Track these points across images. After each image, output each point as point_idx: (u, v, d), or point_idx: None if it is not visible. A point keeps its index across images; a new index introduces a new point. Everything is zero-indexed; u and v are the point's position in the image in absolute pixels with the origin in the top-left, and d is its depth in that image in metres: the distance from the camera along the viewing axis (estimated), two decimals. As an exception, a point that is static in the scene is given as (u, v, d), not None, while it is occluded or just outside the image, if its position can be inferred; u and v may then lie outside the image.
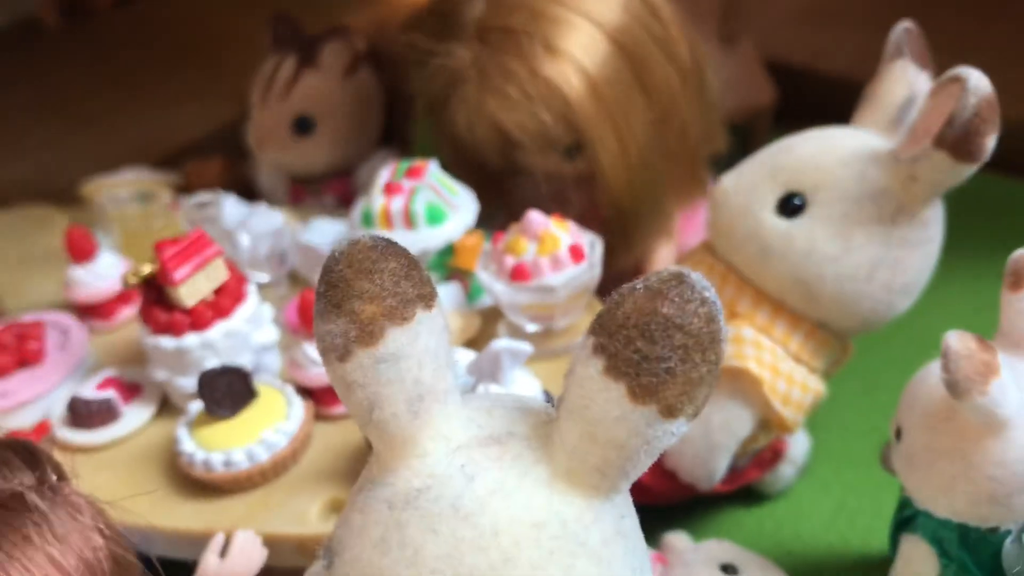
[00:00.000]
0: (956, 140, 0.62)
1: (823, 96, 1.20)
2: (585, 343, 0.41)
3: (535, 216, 0.70)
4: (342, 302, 0.44)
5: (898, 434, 0.63)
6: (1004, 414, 0.55)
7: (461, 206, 0.78)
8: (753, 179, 0.71)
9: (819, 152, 0.70)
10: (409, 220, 0.76)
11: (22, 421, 0.72)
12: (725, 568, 0.67)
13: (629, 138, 0.78)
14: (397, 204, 0.75)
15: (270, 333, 0.73)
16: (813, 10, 1.37)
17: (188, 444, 0.66)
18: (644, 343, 0.40)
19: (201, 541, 0.62)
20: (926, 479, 0.60)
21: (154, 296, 0.70)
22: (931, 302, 0.75)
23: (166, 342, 0.68)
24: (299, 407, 0.68)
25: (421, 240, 0.76)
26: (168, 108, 1.37)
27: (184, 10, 1.65)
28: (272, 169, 1.01)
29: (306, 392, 0.70)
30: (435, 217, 0.76)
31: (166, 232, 0.84)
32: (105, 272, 0.80)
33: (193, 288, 0.68)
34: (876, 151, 0.68)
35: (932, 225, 0.69)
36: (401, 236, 0.76)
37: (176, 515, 0.65)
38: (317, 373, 0.69)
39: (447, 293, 0.77)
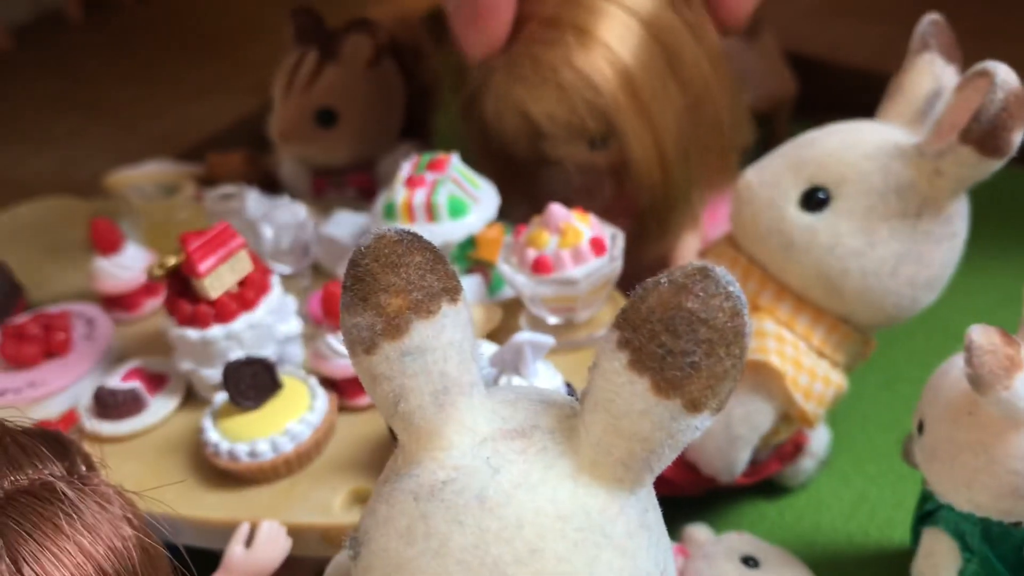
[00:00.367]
0: (982, 135, 0.61)
1: (843, 88, 1.20)
2: (609, 337, 0.42)
3: (557, 209, 0.70)
4: (368, 295, 0.44)
5: (920, 427, 0.63)
6: (1027, 408, 0.55)
7: (483, 199, 0.79)
8: (777, 173, 0.71)
9: (843, 146, 0.69)
10: (431, 213, 0.76)
11: (49, 411, 0.73)
12: (746, 560, 0.67)
13: (662, 127, 0.77)
14: (419, 197, 0.76)
15: (294, 325, 0.73)
16: (833, 2, 1.36)
17: (213, 434, 0.67)
18: (669, 337, 0.40)
19: (226, 530, 0.63)
20: (948, 473, 0.60)
21: (179, 288, 0.70)
22: (954, 295, 0.75)
23: (191, 333, 0.69)
24: (323, 398, 0.69)
25: (443, 233, 0.76)
26: (190, 100, 1.38)
27: (206, 3, 1.65)
28: (294, 161, 1.02)
29: (330, 383, 0.71)
30: (457, 210, 0.76)
31: (190, 224, 0.85)
32: (130, 264, 0.80)
33: (218, 280, 0.69)
34: (901, 145, 0.68)
35: (957, 220, 0.68)
36: (423, 229, 0.75)
37: (201, 504, 0.66)
38: (341, 364, 0.70)
39: (468, 285, 0.77)
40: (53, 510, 0.46)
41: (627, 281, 0.86)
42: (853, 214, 0.68)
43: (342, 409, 0.71)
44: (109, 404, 0.71)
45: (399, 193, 0.77)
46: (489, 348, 0.67)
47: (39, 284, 0.88)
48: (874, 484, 0.82)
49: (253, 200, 0.85)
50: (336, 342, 0.70)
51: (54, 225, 0.98)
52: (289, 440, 0.66)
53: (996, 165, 0.63)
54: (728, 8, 0.76)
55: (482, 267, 0.80)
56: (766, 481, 0.80)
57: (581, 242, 0.70)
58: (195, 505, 0.66)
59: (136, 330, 0.82)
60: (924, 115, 0.70)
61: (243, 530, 0.61)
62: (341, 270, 0.80)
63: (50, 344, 0.76)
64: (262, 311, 0.70)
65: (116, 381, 0.73)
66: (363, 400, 0.71)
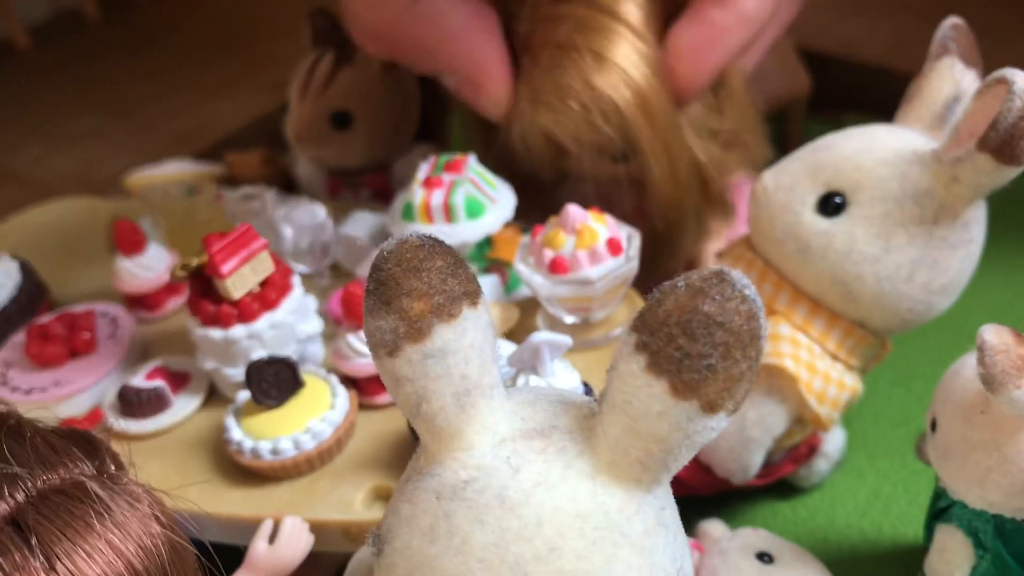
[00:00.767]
0: (1000, 143, 0.61)
1: (857, 84, 1.21)
2: (627, 340, 0.43)
3: (574, 210, 0.71)
4: (391, 299, 0.45)
5: (933, 426, 0.64)
6: (1040, 407, 0.56)
7: (500, 199, 0.80)
8: (793, 177, 0.71)
9: (860, 151, 0.69)
10: (449, 214, 0.77)
11: (74, 409, 0.75)
12: (761, 556, 0.68)
13: (677, 149, 0.78)
14: (437, 198, 0.77)
15: (315, 324, 0.74)
16: (847, -2, 1.37)
17: (236, 432, 0.68)
18: (686, 340, 0.41)
19: (249, 527, 0.64)
20: (961, 471, 0.61)
21: (202, 288, 0.72)
22: (967, 293, 0.75)
23: (214, 333, 0.70)
24: (344, 397, 0.70)
25: (461, 233, 0.77)
26: (208, 99, 1.39)
27: (223, 2, 1.66)
28: (310, 162, 1.03)
29: (350, 381, 0.72)
30: (474, 210, 0.77)
31: (211, 224, 0.86)
32: (153, 264, 0.82)
33: (240, 280, 0.70)
34: (919, 151, 0.67)
35: (974, 226, 0.68)
36: (441, 229, 0.77)
37: (225, 502, 0.67)
38: (361, 363, 0.71)
39: (486, 285, 0.78)
40: (85, 509, 0.47)
41: (649, 290, 0.87)
42: (869, 220, 0.68)
43: (362, 407, 0.72)
44: (133, 402, 0.72)
45: (417, 194, 0.77)
46: (507, 347, 0.67)
47: (62, 284, 0.90)
48: (887, 480, 0.82)
49: (273, 201, 0.86)
50: (356, 341, 0.71)
51: (75, 225, 0.99)
52: (311, 438, 0.67)
53: (1014, 173, 0.63)
54: (679, 80, 0.76)
55: (499, 267, 0.81)
56: (780, 481, 0.80)
57: (597, 243, 0.70)
58: (219, 502, 0.67)
59: (158, 329, 0.83)
60: (944, 120, 0.69)
61: (266, 526, 0.63)
62: (359, 269, 0.82)
63: (75, 343, 0.77)
64: (284, 311, 0.71)
65: (140, 380, 0.74)
66: (383, 398, 0.72)
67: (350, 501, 0.66)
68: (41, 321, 0.79)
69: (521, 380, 0.65)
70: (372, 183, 1.01)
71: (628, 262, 0.72)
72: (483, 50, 0.76)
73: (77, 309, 0.81)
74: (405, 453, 0.69)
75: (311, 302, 0.75)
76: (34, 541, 0.45)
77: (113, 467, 0.51)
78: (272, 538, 0.62)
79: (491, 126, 0.84)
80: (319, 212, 0.81)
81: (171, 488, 0.54)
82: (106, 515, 0.48)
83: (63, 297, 0.88)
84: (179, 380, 0.75)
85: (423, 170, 0.80)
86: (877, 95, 1.18)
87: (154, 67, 1.51)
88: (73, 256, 0.95)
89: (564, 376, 0.66)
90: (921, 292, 0.69)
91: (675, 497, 0.48)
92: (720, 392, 0.41)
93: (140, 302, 0.83)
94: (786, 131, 1.14)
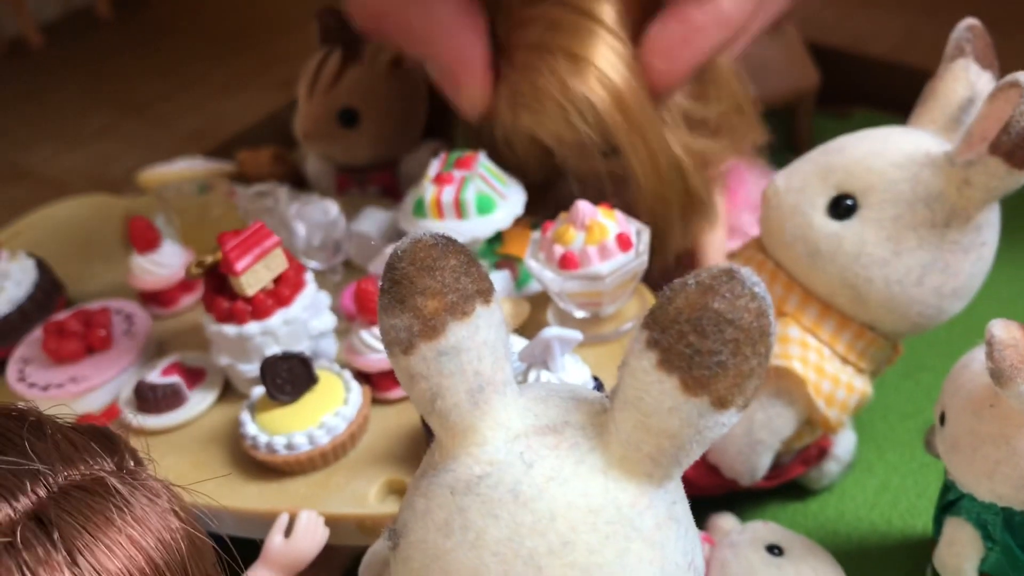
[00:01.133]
0: (1012, 147, 0.60)
1: (865, 79, 1.21)
2: (638, 337, 0.43)
3: (583, 206, 0.72)
4: (405, 298, 0.46)
5: (942, 419, 0.64)
6: (1048, 401, 0.56)
7: (510, 195, 0.80)
8: (804, 179, 0.71)
9: (872, 154, 0.68)
10: (460, 210, 0.77)
11: (91, 405, 0.76)
12: (771, 548, 0.69)
13: (657, 144, 0.78)
14: (448, 194, 0.77)
15: (328, 320, 0.75)
16: (856, -8, 1.37)
17: (251, 427, 0.69)
18: (696, 337, 0.41)
19: (265, 520, 0.65)
20: (970, 464, 0.61)
21: (216, 285, 0.72)
22: (975, 287, 0.75)
23: (229, 330, 0.71)
24: (357, 392, 0.71)
25: (471, 229, 0.78)
26: (219, 96, 1.40)
27: (233, -1, 1.67)
28: (319, 159, 1.04)
29: (363, 377, 0.73)
30: (485, 206, 0.78)
31: (224, 221, 0.87)
32: (167, 261, 0.82)
33: (254, 277, 0.70)
34: (931, 154, 0.67)
35: (986, 229, 0.67)
36: (452, 225, 0.78)
37: (241, 496, 0.68)
38: (374, 358, 0.72)
39: (497, 280, 0.79)
40: (105, 504, 0.48)
41: (655, 283, 0.87)
42: (880, 223, 0.67)
43: (375, 402, 0.73)
44: (149, 398, 0.73)
45: (428, 190, 0.78)
46: (518, 343, 0.68)
47: (77, 281, 0.91)
48: (896, 473, 0.83)
49: (286, 198, 0.87)
50: (369, 337, 0.72)
51: (90, 222, 1.00)
52: (325, 433, 0.68)
53: None
54: (655, 77, 0.76)
55: (509, 262, 0.81)
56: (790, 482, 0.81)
57: (607, 238, 0.71)
58: (235, 496, 0.68)
59: (173, 325, 0.84)
60: (958, 122, 0.69)
61: (282, 520, 0.63)
62: (371, 266, 0.82)
63: (91, 340, 0.78)
64: (297, 307, 0.72)
65: (156, 376, 0.75)
66: (396, 393, 0.73)
67: (364, 495, 0.67)
68: (57, 318, 0.80)
69: (532, 375, 0.65)
70: (380, 180, 1.02)
71: (638, 257, 0.72)
72: (465, 46, 0.77)
73: (92, 306, 0.82)
74: (418, 447, 0.70)
75: (324, 298, 0.76)
76: (56, 536, 0.46)
77: (132, 463, 0.52)
78: (288, 532, 0.63)
79: (476, 129, 0.84)
80: (331, 209, 0.82)
81: (187, 483, 0.55)
82: (126, 510, 0.49)
83: (78, 294, 0.89)
84: (194, 376, 0.76)
85: (434, 167, 0.81)
86: (885, 90, 1.18)
87: (165, 65, 1.52)
88: (87, 253, 0.96)
89: (574, 370, 0.66)
90: (932, 296, 0.68)
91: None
92: (730, 388, 0.42)
93: (155, 299, 0.84)
94: (794, 126, 1.15)
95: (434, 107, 1.03)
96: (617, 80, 0.75)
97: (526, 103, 0.77)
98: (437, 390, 0.46)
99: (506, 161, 0.83)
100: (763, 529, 0.71)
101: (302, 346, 0.73)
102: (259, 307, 0.71)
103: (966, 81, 0.69)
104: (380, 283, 0.47)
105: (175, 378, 0.74)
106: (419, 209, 0.79)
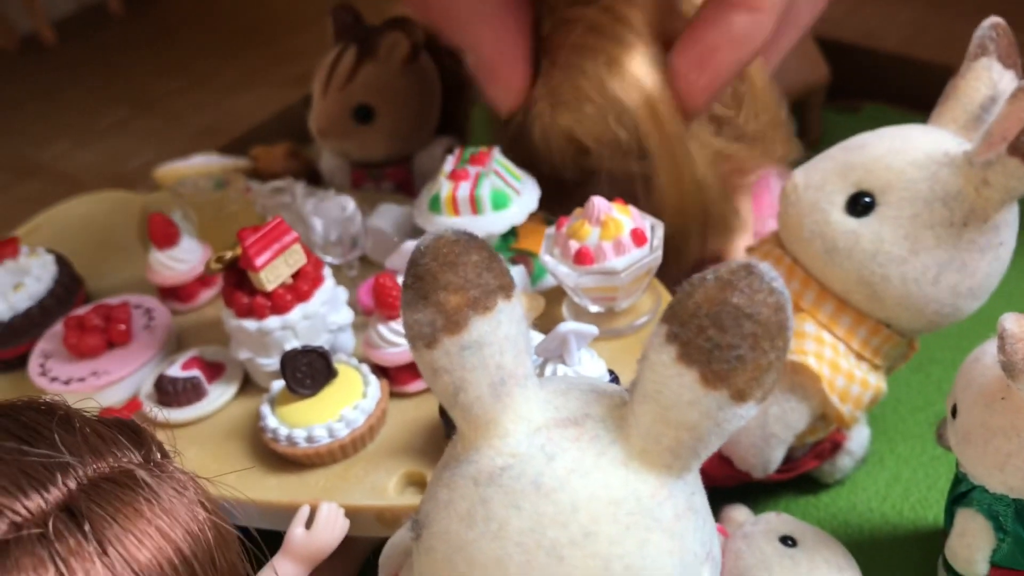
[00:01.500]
0: None
1: (875, 73, 1.21)
2: (658, 331, 0.44)
3: (598, 201, 0.73)
4: (429, 293, 0.46)
5: (954, 412, 0.65)
6: (1059, 394, 0.57)
7: (524, 191, 0.81)
8: (823, 176, 0.71)
9: (891, 152, 0.69)
10: (475, 205, 0.78)
11: (113, 399, 0.77)
12: (784, 539, 0.69)
13: (682, 159, 0.79)
14: (463, 190, 0.78)
15: (346, 315, 0.76)
16: (866, -14, 1.37)
17: (272, 420, 0.70)
18: (716, 331, 0.42)
19: (285, 512, 0.66)
20: (981, 456, 0.62)
21: (236, 280, 0.73)
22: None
23: (249, 324, 0.72)
24: (375, 385, 0.71)
25: (487, 224, 0.78)
26: (233, 92, 1.40)
27: (245, -6, 1.68)
28: (333, 155, 1.04)
29: (381, 370, 0.74)
30: (500, 202, 0.79)
31: (241, 217, 0.88)
32: (186, 256, 0.83)
33: (273, 273, 0.71)
34: (950, 153, 0.67)
35: (1004, 229, 0.67)
36: (467, 221, 0.78)
37: (261, 488, 0.69)
38: (391, 352, 0.72)
39: (513, 276, 0.79)
40: (134, 496, 0.49)
41: (676, 281, 0.87)
42: (897, 221, 0.67)
43: (393, 395, 0.74)
44: (170, 392, 0.74)
45: (444, 186, 0.79)
46: (534, 337, 0.69)
47: (95, 276, 0.92)
48: (907, 465, 0.84)
49: (303, 194, 0.88)
50: (386, 331, 0.72)
51: (107, 218, 1.01)
52: (344, 426, 0.69)
53: None
54: (680, 100, 0.77)
55: (524, 257, 0.82)
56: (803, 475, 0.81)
57: (622, 233, 0.72)
58: (256, 488, 0.69)
59: (192, 320, 0.85)
60: (979, 121, 0.69)
61: (303, 512, 0.64)
62: (388, 261, 0.83)
63: (111, 334, 0.79)
64: (316, 302, 0.73)
65: (176, 370, 0.76)
66: (413, 386, 0.74)
67: (383, 487, 0.68)
68: (78, 313, 0.81)
69: (548, 369, 0.66)
70: (394, 175, 1.03)
71: (652, 252, 0.73)
72: (508, 38, 0.77)
73: (112, 301, 0.83)
74: (436, 440, 0.71)
75: (342, 293, 0.77)
76: (87, 527, 0.47)
77: (159, 455, 0.53)
78: (308, 523, 0.64)
79: (513, 128, 0.85)
80: (348, 205, 0.83)
81: (216, 476, 0.56)
82: (155, 502, 0.50)
83: (96, 289, 0.90)
84: (214, 370, 0.77)
85: (449, 163, 0.81)
86: (895, 84, 1.19)
87: (178, 60, 1.53)
88: (107, 249, 0.97)
89: (590, 364, 0.67)
90: (948, 295, 0.68)
91: (698, 483, 0.49)
92: (749, 382, 0.42)
93: (173, 294, 0.85)
94: (804, 120, 1.15)
95: (448, 102, 1.03)
96: (651, 88, 0.76)
97: (566, 102, 0.78)
98: (460, 384, 0.47)
99: (538, 158, 0.84)
100: (776, 520, 0.71)
101: (321, 340, 0.74)
102: (278, 302, 0.72)
103: (988, 80, 0.69)
104: (403, 279, 0.48)
105: (195, 372, 0.75)
106: (435, 205, 0.79)
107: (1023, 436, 0.59)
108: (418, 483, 0.69)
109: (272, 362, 0.73)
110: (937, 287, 0.68)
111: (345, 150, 1.02)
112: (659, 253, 0.74)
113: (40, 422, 0.51)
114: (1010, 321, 0.57)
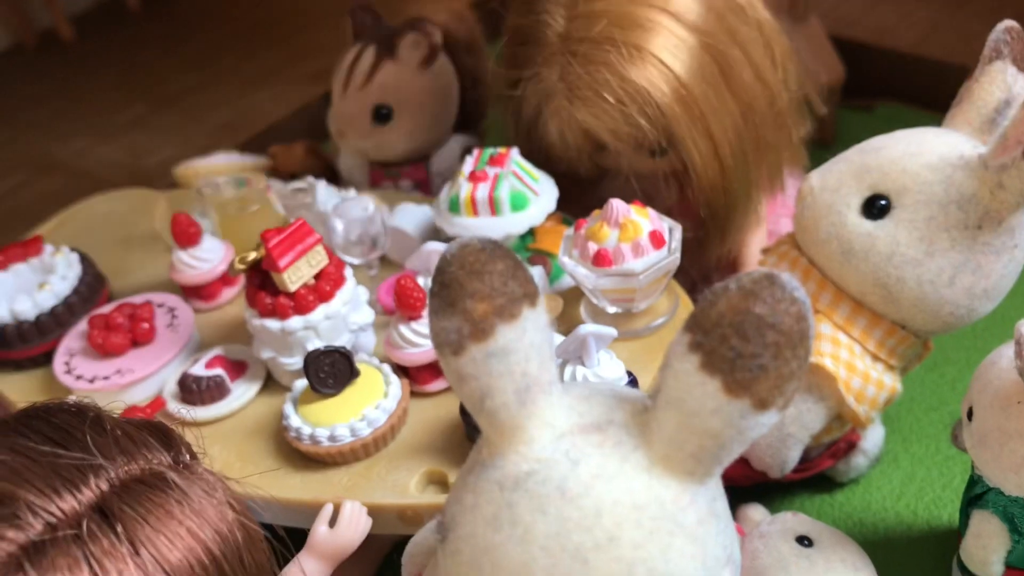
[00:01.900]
0: None
1: (890, 72, 1.21)
2: (681, 339, 0.44)
3: (617, 204, 0.73)
4: (455, 301, 0.47)
5: (969, 414, 0.66)
6: (1075, 399, 0.57)
7: (542, 192, 0.82)
8: (840, 178, 0.71)
9: (907, 155, 0.69)
10: (494, 207, 0.79)
11: (137, 397, 0.77)
12: (800, 539, 0.70)
13: (719, 134, 0.79)
14: (482, 191, 0.79)
15: (367, 314, 0.77)
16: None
17: (295, 419, 0.71)
18: (739, 341, 0.43)
19: (309, 510, 0.67)
20: (997, 458, 0.62)
21: (259, 281, 0.74)
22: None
23: (272, 324, 0.73)
24: (396, 385, 0.72)
25: (505, 225, 0.79)
26: (251, 89, 1.41)
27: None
28: (352, 154, 1.05)
29: (402, 370, 0.75)
30: (518, 203, 0.79)
31: (261, 215, 0.89)
32: (208, 256, 0.84)
33: (296, 274, 0.72)
34: (965, 156, 0.67)
35: (1019, 232, 0.68)
36: (486, 222, 0.79)
37: (285, 486, 0.70)
38: (412, 352, 0.73)
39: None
40: (164, 497, 0.50)
41: (693, 282, 0.88)
42: (913, 223, 0.68)
43: (414, 394, 0.75)
44: (193, 390, 0.75)
45: (463, 188, 0.80)
46: (555, 339, 0.70)
47: (117, 274, 0.92)
48: (922, 465, 0.84)
49: (323, 193, 0.89)
50: (408, 331, 0.73)
51: (128, 216, 1.01)
52: (366, 425, 0.70)
53: None
54: None
55: (542, 257, 0.83)
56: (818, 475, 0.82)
57: (641, 236, 0.72)
58: (279, 486, 0.70)
59: (214, 318, 0.86)
60: (994, 124, 0.69)
61: (327, 510, 0.65)
62: (407, 262, 0.84)
63: (135, 333, 0.80)
64: (338, 302, 0.74)
65: (200, 368, 0.77)
66: (434, 386, 0.74)
67: (405, 485, 0.69)
68: (102, 311, 0.81)
69: (568, 370, 0.67)
70: (412, 174, 1.03)
71: (671, 254, 0.74)
72: None
73: (135, 300, 0.84)
74: (456, 439, 0.71)
75: (363, 293, 0.78)
76: (119, 528, 0.48)
77: (187, 456, 0.54)
78: (332, 521, 0.65)
79: (530, 124, 0.85)
80: (369, 205, 0.83)
81: (234, 473, 0.56)
82: (185, 503, 0.50)
83: (118, 287, 0.90)
84: (237, 368, 0.78)
85: (468, 164, 0.82)
86: (910, 83, 1.19)
87: (195, 57, 1.53)
88: (129, 247, 0.97)
89: (609, 366, 0.68)
90: (963, 296, 0.69)
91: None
92: (771, 390, 0.43)
93: (196, 292, 0.85)
94: (821, 119, 1.15)
95: (464, 102, 1.04)
96: (679, 70, 0.77)
97: (584, 96, 0.79)
98: (486, 390, 0.47)
99: (554, 155, 0.85)
100: (792, 520, 0.72)
101: (342, 340, 0.75)
102: (301, 302, 0.73)
103: (1003, 83, 0.69)
104: (430, 286, 0.49)
105: (218, 371, 0.76)
106: (454, 206, 0.80)
107: (1039, 440, 0.60)
108: (439, 482, 0.70)
109: (294, 361, 0.74)
110: (952, 289, 0.69)
111: (364, 150, 1.02)
112: (677, 255, 0.74)
113: (72, 424, 0.52)
114: (1027, 327, 0.57)
